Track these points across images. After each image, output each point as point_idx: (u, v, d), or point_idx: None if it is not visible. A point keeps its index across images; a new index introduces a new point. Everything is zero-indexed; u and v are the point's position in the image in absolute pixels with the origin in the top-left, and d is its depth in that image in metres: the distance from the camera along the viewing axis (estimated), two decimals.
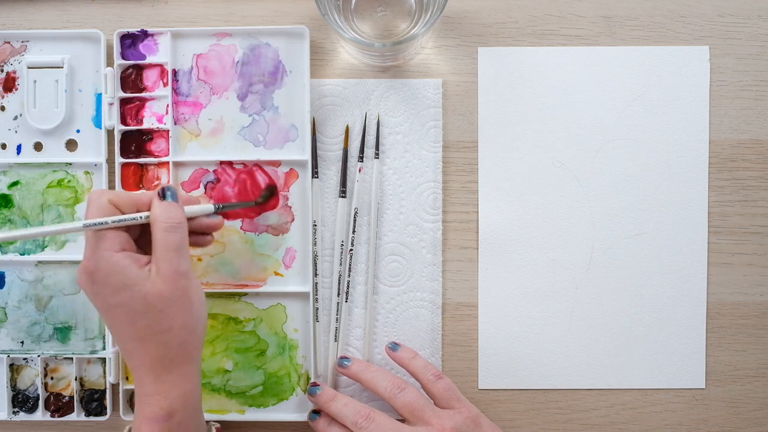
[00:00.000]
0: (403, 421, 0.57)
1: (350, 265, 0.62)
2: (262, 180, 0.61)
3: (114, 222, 0.49)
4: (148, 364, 0.49)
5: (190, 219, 0.52)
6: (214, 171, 0.61)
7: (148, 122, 0.61)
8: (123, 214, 0.50)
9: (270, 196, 0.60)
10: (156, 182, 0.61)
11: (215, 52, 0.61)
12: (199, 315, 0.51)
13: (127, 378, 0.61)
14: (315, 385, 0.59)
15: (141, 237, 0.52)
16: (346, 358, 0.61)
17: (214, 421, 0.60)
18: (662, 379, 0.62)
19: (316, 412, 0.59)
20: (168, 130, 0.61)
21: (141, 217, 0.50)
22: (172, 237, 0.49)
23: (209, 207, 0.54)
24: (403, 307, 0.62)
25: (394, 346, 0.61)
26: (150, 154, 0.61)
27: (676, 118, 0.62)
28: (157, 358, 0.49)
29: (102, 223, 0.49)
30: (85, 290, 0.49)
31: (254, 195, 0.61)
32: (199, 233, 0.55)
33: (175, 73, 0.61)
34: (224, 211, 0.56)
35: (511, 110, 0.62)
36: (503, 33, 0.62)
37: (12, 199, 0.62)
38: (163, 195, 0.51)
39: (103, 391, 0.61)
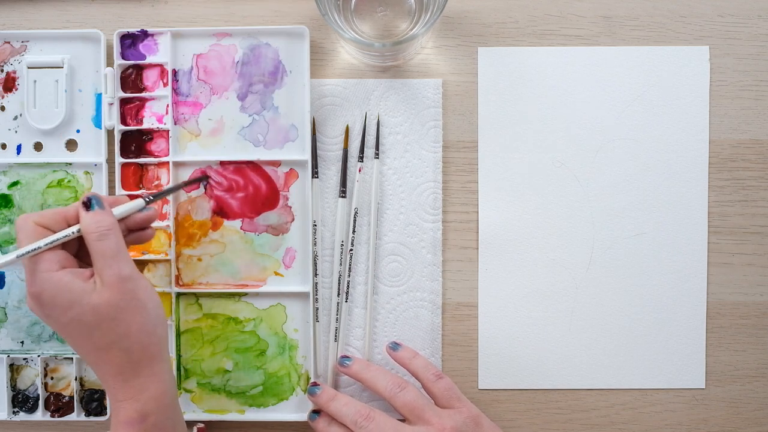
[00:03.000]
0: (403, 420, 0.57)
1: (350, 265, 0.62)
2: (254, 177, 0.61)
3: (47, 245, 0.49)
4: (115, 372, 0.49)
5: (122, 219, 0.52)
6: (203, 171, 0.61)
7: (148, 122, 0.61)
8: (54, 233, 0.50)
9: (198, 181, 0.60)
10: (156, 182, 0.61)
11: (215, 52, 0.61)
12: (155, 315, 0.50)
13: None
14: (315, 384, 0.59)
15: (81, 250, 0.52)
16: (347, 357, 0.60)
17: (198, 422, 0.60)
18: (662, 379, 0.62)
19: (316, 412, 0.59)
20: (168, 130, 0.61)
21: (72, 232, 0.50)
22: (106, 244, 0.49)
23: (139, 202, 0.53)
24: (403, 307, 0.62)
25: (394, 346, 0.61)
26: (150, 154, 0.61)
27: (676, 118, 0.62)
28: (121, 364, 0.49)
29: (35, 249, 0.48)
30: (37, 314, 0.49)
31: (248, 191, 0.61)
32: (137, 230, 0.54)
33: (175, 73, 0.61)
34: (155, 201, 0.55)
35: (511, 110, 0.62)
36: (503, 33, 0.62)
37: (12, 199, 0.62)
38: (88, 205, 0.50)
39: (103, 391, 0.61)
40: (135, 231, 0.54)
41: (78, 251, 0.52)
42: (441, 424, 0.55)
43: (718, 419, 0.62)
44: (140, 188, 0.61)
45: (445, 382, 0.58)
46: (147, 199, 0.54)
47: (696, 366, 0.62)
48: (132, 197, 0.54)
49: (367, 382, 0.59)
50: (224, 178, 0.61)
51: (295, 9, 0.62)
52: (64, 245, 0.50)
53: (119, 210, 0.52)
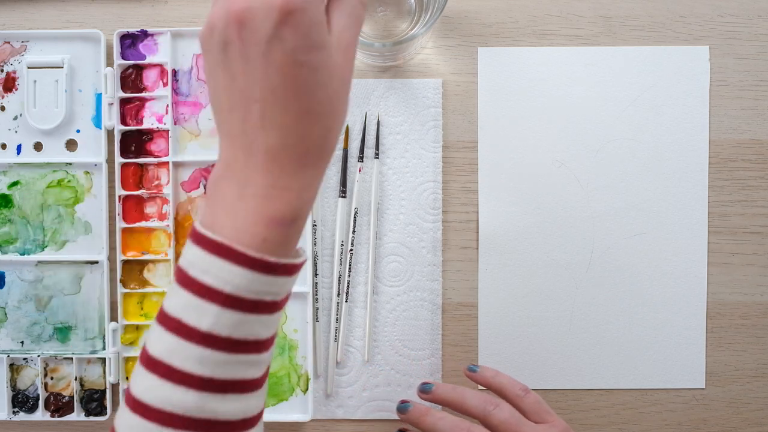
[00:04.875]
0: None
1: (350, 265, 0.62)
2: None
3: None
4: (299, 151, 0.38)
5: None
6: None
7: (148, 122, 0.61)
8: None
9: None
10: (156, 182, 0.61)
11: None
12: (348, 105, 0.41)
13: (127, 378, 0.61)
14: (405, 402, 0.55)
15: None
16: (428, 383, 0.56)
17: None
18: (662, 379, 0.62)
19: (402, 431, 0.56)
20: (168, 130, 0.61)
21: None
22: (362, 11, 0.40)
23: None
24: (403, 307, 0.62)
25: (473, 368, 0.57)
26: (150, 154, 0.61)
27: (676, 118, 0.62)
28: (312, 145, 0.38)
29: None
30: (262, 33, 0.35)
31: None
32: None
33: (174, 73, 0.61)
34: None
35: (511, 110, 0.62)
36: (503, 33, 0.62)
37: (12, 199, 0.62)
38: None
39: (103, 391, 0.61)
40: None
41: None
42: None
43: (718, 419, 0.62)
44: (140, 188, 0.61)
45: (532, 396, 0.55)
46: None
47: (696, 366, 0.62)
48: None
49: (454, 403, 0.54)
50: None
51: None
52: None
53: None
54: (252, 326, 0.38)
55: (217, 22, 0.36)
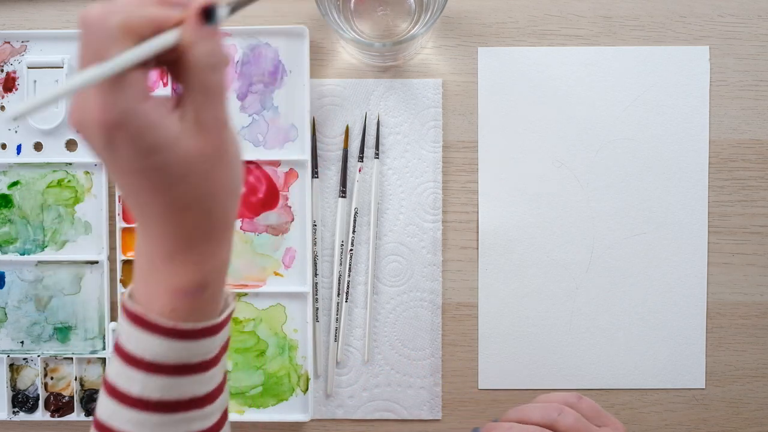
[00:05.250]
0: None
1: (350, 265, 0.62)
2: (254, 177, 0.61)
3: (138, 58, 0.34)
4: (182, 235, 0.38)
5: None
6: None
7: None
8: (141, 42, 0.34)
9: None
10: None
11: None
12: (239, 173, 0.40)
13: None
14: (476, 428, 0.53)
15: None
16: (496, 419, 0.52)
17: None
18: (662, 379, 0.62)
19: None
20: None
21: (167, 41, 0.34)
22: (217, 78, 0.36)
23: (222, 9, 0.37)
24: (403, 307, 0.62)
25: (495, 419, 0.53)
26: None
27: (676, 118, 0.62)
28: (194, 227, 0.38)
29: (117, 64, 0.33)
30: (96, 150, 0.36)
31: (248, 191, 0.61)
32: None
33: None
34: (235, 12, 0.38)
35: (511, 110, 0.62)
36: (503, 33, 0.62)
37: (12, 199, 0.62)
38: (208, 15, 0.35)
39: None
40: None
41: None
42: None
43: (718, 419, 0.62)
44: None
45: (587, 400, 0.53)
46: (232, 4, 0.37)
47: (696, 366, 0.62)
48: None
49: (522, 420, 0.52)
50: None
51: (295, 9, 0.62)
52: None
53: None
54: (184, 387, 0.39)
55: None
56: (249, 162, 0.61)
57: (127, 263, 0.61)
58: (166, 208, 0.38)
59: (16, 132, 0.62)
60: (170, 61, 0.37)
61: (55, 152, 0.61)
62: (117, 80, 0.34)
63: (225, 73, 0.37)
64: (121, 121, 0.34)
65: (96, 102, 0.34)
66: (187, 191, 0.37)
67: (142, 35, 0.34)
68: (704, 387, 0.62)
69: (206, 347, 0.40)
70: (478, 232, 0.62)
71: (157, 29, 0.35)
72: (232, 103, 0.61)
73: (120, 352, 0.39)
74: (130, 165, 0.36)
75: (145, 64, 0.35)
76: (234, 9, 0.38)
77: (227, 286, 0.43)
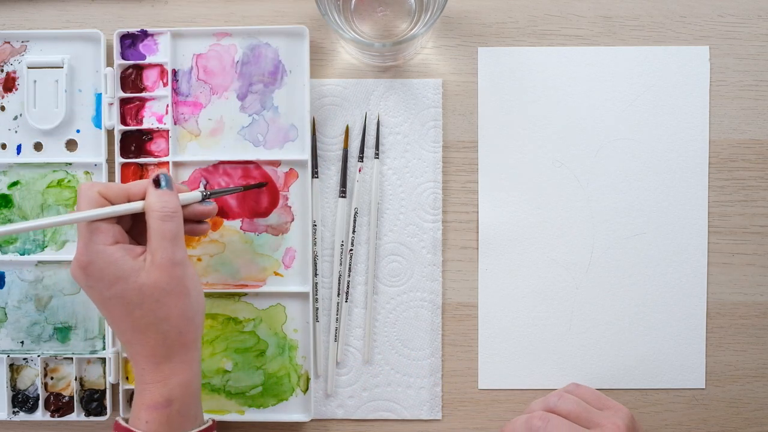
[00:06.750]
0: None
1: (350, 265, 0.62)
2: (254, 177, 0.61)
3: (106, 214, 0.49)
4: (147, 354, 0.50)
5: (183, 207, 0.52)
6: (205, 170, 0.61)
7: (148, 122, 0.61)
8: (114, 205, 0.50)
9: (258, 186, 0.60)
10: None
11: (215, 52, 0.61)
12: (197, 303, 0.51)
13: (127, 378, 0.61)
14: None
15: (133, 227, 0.53)
16: None
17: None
18: (662, 379, 0.62)
19: None
20: (168, 130, 0.61)
21: (135, 207, 0.50)
22: (168, 226, 0.49)
23: (196, 194, 0.54)
24: (403, 307, 0.62)
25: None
26: (150, 154, 0.61)
27: (676, 118, 0.62)
28: (156, 347, 0.49)
29: (94, 216, 0.49)
30: (80, 284, 0.49)
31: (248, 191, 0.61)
32: (193, 221, 0.54)
33: (174, 73, 0.61)
34: (211, 197, 0.55)
35: (511, 110, 0.62)
36: (503, 33, 0.62)
37: (12, 199, 0.62)
38: (158, 183, 0.51)
39: (103, 391, 0.61)
40: (190, 222, 0.54)
41: (131, 228, 0.52)
42: (615, 424, 0.51)
43: (718, 419, 0.62)
44: None
45: (586, 387, 0.56)
46: (204, 194, 0.54)
47: (696, 366, 0.62)
48: (191, 189, 0.55)
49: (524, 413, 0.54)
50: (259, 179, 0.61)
51: (295, 9, 0.62)
52: (119, 220, 0.51)
53: (183, 197, 0.52)
54: None
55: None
56: (249, 162, 0.61)
57: None
58: (131, 329, 0.49)
59: (16, 132, 0.62)
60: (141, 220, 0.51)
61: (55, 152, 0.61)
62: (92, 231, 0.48)
63: (176, 224, 0.49)
64: (92, 259, 0.48)
65: (78, 247, 0.49)
66: (144, 315, 0.49)
67: (114, 201, 0.50)
68: (704, 387, 0.62)
69: None
70: (478, 232, 0.62)
71: (126, 199, 0.50)
72: (233, 103, 0.61)
73: None
74: (101, 294, 0.49)
75: (119, 220, 0.50)
76: (205, 197, 0.54)
77: (200, 410, 0.53)
